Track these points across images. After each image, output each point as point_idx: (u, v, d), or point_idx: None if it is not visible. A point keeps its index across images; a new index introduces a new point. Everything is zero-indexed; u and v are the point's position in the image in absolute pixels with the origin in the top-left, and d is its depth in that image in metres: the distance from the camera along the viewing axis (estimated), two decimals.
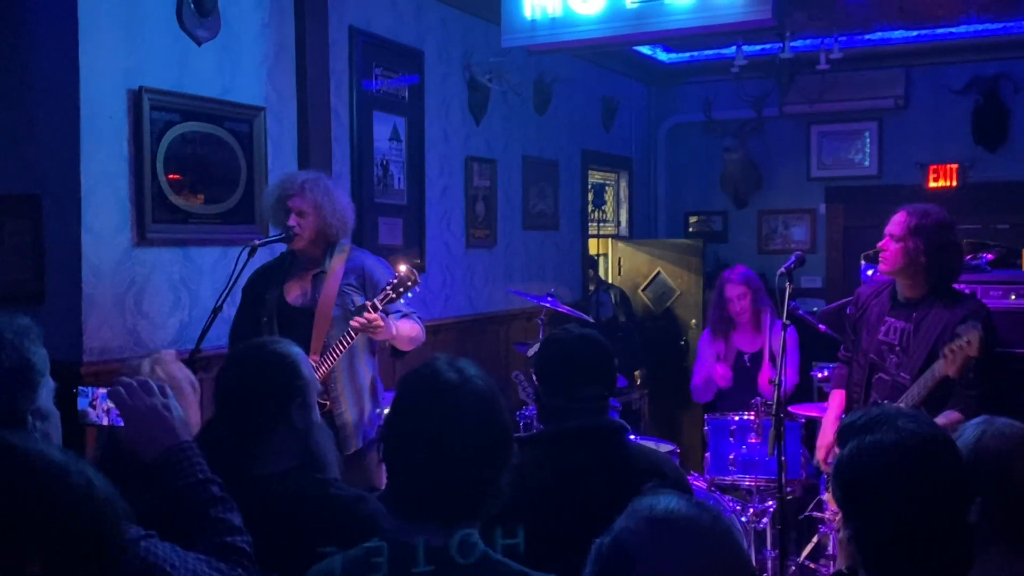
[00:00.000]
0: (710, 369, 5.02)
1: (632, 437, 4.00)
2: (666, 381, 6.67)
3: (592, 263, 7.38)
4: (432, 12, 5.43)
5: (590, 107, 7.30)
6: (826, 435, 3.62)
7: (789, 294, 3.53)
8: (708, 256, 7.63)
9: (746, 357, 4.93)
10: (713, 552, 1.23)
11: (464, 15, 5.68)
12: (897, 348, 3.40)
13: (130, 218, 3.69)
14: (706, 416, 4.50)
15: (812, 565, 4.48)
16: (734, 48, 6.54)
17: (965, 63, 7.03)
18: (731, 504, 4.27)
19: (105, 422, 1.98)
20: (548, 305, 4.95)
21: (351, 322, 3.39)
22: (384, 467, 1.82)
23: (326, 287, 3.56)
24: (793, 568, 4.40)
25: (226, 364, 2.25)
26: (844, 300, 3.86)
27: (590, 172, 7.40)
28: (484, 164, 5.93)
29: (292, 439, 2.17)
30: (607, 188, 7.85)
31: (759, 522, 4.25)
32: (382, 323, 3.39)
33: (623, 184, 8.08)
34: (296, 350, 2.25)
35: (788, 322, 3.55)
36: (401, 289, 3.40)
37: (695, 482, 4.14)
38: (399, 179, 5.20)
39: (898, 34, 6.91)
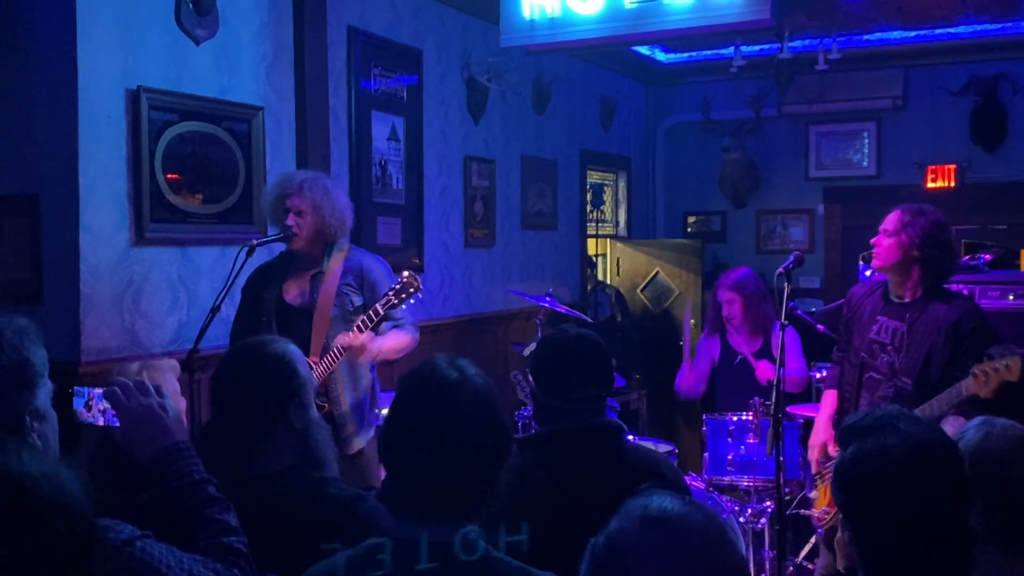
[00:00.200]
0: (695, 370, 5.06)
1: (630, 437, 4.01)
2: (664, 381, 6.65)
3: (589, 263, 7.38)
4: (431, 12, 5.43)
5: (589, 107, 7.30)
6: (818, 435, 3.63)
7: (787, 294, 3.53)
8: (707, 256, 7.63)
9: (743, 358, 4.93)
10: (708, 551, 1.23)
11: (463, 15, 5.68)
12: (889, 347, 3.41)
13: (128, 217, 3.68)
14: (704, 416, 4.49)
15: (810, 565, 4.48)
16: (733, 48, 6.54)
17: (963, 63, 7.04)
18: (729, 504, 4.27)
19: (101, 422, 1.98)
20: (546, 305, 4.95)
21: (337, 339, 3.38)
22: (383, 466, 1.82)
23: (324, 287, 3.55)
24: (791, 568, 4.41)
25: (223, 364, 2.25)
26: (842, 300, 3.87)
27: (589, 172, 7.41)
28: (483, 164, 5.93)
29: (291, 438, 2.17)
30: (606, 188, 7.85)
31: (757, 522, 4.25)
32: (364, 347, 3.37)
33: (622, 184, 8.08)
34: (293, 348, 2.25)
35: (787, 322, 3.55)
36: (404, 295, 3.39)
37: (693, 482, 4.14)
38: (397, 179, 5.20)
39: (896, 35, 6.91)
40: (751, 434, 4.26)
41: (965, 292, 4.56)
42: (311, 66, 4.47)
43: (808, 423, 4.51)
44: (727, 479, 4.31)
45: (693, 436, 5.97)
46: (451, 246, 5.67)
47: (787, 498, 4.01)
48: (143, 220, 3.71)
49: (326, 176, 3.80)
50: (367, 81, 4.95)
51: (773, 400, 3.44)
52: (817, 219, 7.75)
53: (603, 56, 7.17)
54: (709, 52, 7.51)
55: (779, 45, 6.43)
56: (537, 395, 2.40)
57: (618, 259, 7.64)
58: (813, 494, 3.68)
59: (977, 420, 2.06)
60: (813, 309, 6.32)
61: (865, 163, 7.55)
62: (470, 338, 5.72)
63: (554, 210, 6.80)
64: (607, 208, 7.86)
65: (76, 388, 1.99)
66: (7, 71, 3.62)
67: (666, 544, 1.22)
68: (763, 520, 4.26)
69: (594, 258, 7.64)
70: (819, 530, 3.73)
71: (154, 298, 3.79)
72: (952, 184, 7.15)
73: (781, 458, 3.51)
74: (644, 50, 7.47)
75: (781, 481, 3.52)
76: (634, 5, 4.53)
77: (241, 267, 3.43)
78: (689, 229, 8.26)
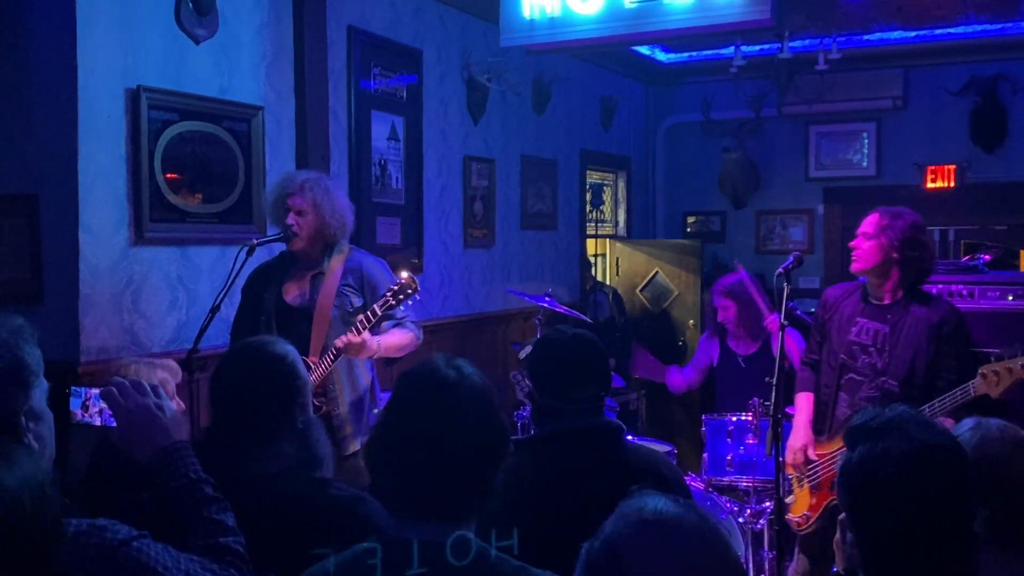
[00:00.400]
0: (691, 367, 5.09)
1: (629, 437, 4.01)
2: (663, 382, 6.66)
3: (586, 263, 7.38)
4: (431, 11, 5.43)
5: (588, 107, 7.30)
6: (798, 438, 3.62)
7: (787, 295, 3.53)
8: (706, 256, 7.63)
9: (740, 360, 4.93)
10: (705, 550, 1.23)
11: (463, 14, 5.68)
12: (871, 349, 3.44)
13: (128, 217, 3.68)
14: (704, 417, 4.50)
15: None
16: (733, 48, 6.54)
17: (963, 64, 7.04)
18: (728, 505, 4.27)
19: (98, 422, 1.97)
20: (546, 305, 4.95)
21: (335, 341, 3.39)
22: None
23: (324, 288, 3.55)
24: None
25: (223, 364, 2.24)
26: None
27: (588, 172, 7.40)
28: (482, 164, 5.93)
29: (292, 438, 2.17)
30: (605, 188, 7.85)
31: (756, 523, 4.25)
32: (364, 345, 3.38)
33: (621, 184, 8.08)
34: (291, 348, 2.25)
35: (786, 323, 3.55)
36: (401, 296, 3.40)
37: (692, 483, 4.14)
38: (397, 178, 5.20)
39: (896, 35, 6.91)
40: (750, 434, 4.26)
41: (965, 292, 4.58)
42: (311, 66, 4.47)
43: None
44: (726, 479, 4.31)
45: (692, 436, 5.97)
46: (450, 246, 5.67)
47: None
48: (143, 220, 3.71)
49: (328, 177, 3.80)
50: (367, 81, 4.95)
51: (772, 400, 3.44)
52: (817, 219, 7.75)
53: (603, 56, 7.17)
54: (709, 52, 7.51)
55: (779, 45, 6.42)
56: (535, 396, 2.40)
57: (617, 259, 7.64)
58: (790, 499, 3.67)
59: (970, 423, 2.06)
60: (812, 310, 6.30)
61: (865, 163, 7.54)
62: (469, 338, 5.72)
63: (554, 210, 6.80)
64: (607, 208, 7.86)
65: (73, 388, 1.99)
66: (7, 71, 3.62)
67: (663, 545, 1.22)
68: (762, 520, 4.26)
69: (592, 258, 7.64)
70: (799, 537, 3.73)
71: (153, 298, 3.79)
72: (952, 184, 7.14)
73: (780, 458, 3.50)
74: (644, 50, 7.46)
75: (780, 481, 3.52)
76: (634, 5, 4.53)
77: (241, 267, 3.43)
78: (689, 229, 8.26)
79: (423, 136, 5.37)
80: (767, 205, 7.90)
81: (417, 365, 1.68)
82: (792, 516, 3.65)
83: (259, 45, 4.26)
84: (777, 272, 3.57)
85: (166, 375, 2.70)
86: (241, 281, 3.58)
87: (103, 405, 1.94)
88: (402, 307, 3.46)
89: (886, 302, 3.46)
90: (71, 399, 1.98)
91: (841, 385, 3.51)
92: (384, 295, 3.43)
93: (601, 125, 7.51)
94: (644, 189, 8.31)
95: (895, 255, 3.38)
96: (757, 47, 6.91)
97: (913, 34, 6.89)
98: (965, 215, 7.12)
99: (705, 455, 4.40)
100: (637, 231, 8.16)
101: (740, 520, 4.19)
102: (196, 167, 3.94)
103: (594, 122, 7.41)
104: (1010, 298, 4.48)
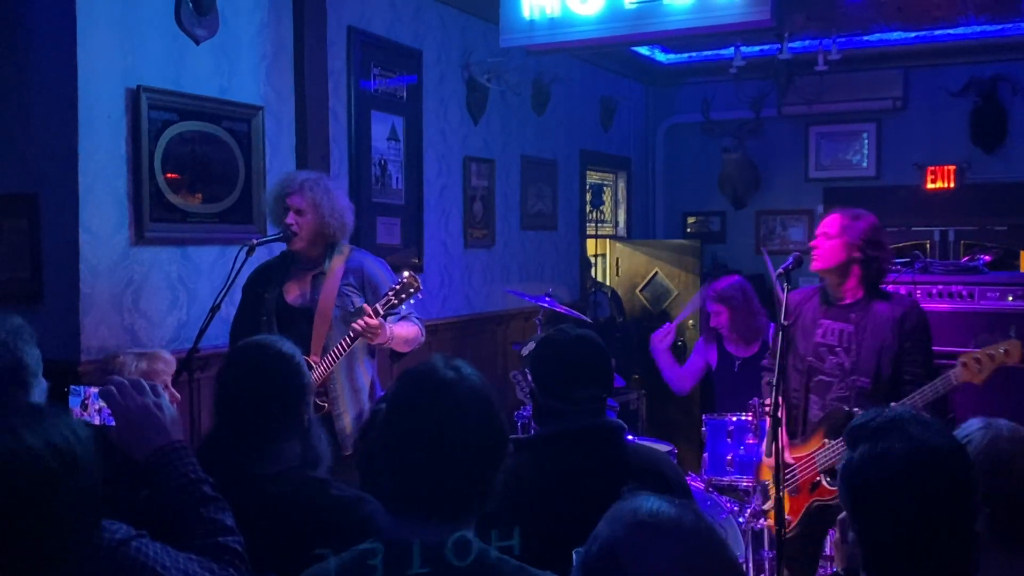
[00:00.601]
0: (686, 367, 5.08)
1: (630, 437, 4.01)
2: (663, 381, 6.66)
3: (587, 264, 7.38)
4: (431, 12, 5.43)
5: (588, 107, 7.30)
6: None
7: (787, 295, 3.53)
8: (706, 257, 7.63)
9: (737, 363, 4.92)
10: (702, 550, 1.23)
11: (463, 15, 5.68)
12: (838, 348, 3.49)
13: (128, 217, 3.68)
14: (704, 417, 4.49)
15: None
16: (732, 49, 6.54)
17: (963, 64, 7.05)
18: (728, 505, 4.27)
19: (97, 421, 1.97)
20: (545, 305, 4.94)
21: (352, 325, 3.39)
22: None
23: (325, 288, 3.56)
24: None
25: (228, 364, 2.23)
26: None
27: (588, 172, 7.40)
28: (482, 164, 5.93)
29: (296, 438, 2.17)
30: (605, 188, 7.85)
31: (756, 523, 4.24)
32: (381, 328, 3.39)
33: (621, 184, 8.08)
34: (295, 348, 2.25)
35: (785, 323, 3.55)
36: (404, 295, 3.41)
37: (692, 482, 4.13)
38: (397, 179, 5.20)
39: (896, 35, 6.91)
40: (750, 434, 4.25)
41: (965, 293, 4.58)
42: (311, 66, 4.47)
43: None
44: (726, 479, 4.31)
45: (692, 436, 5.97)
46: (450, 246, 5.67)
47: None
48: (143, 219, 3.71)
49: (328, 177, 3.81)
50: (367, 81, 4.95)
51: (772, 400, 3.44)
52: (817, 220, 7.72)
53: (603, 56, 7.17)
54: (709, 52, 7.51)
55: (779, 46, 6.43)
56: (537, 396, 2.40)
57: (617, 259, 7.64)
58: (767, 505, 3.68)
59: (978, 423, 2.06)
60: None
61: (865, 164, 7.55)
62: (469, 338, 5.72)
63: (553, 210, 6.80)
64: (607, 208, 7.86)
65: (72, 387, 1.99)
66: (7, 71, 3.62)
67: (661, 545, 1.22)
68: (762, 520, 4.25)
69: (592, 258, 7.64)
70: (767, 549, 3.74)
71: (154, 297, 3.79)
72: (952, 185, 7.15)
73: (780, 458, 3.50)
74: (644, 50, 7.47)
75: (781, 481, 3.52)
76: (634, 5, 4.53)
77: (241, 267, 3.43)
78: (689, 229, 8.26)
79: (423, 136, 5.37)
80: (767, 205, 7.91)
81: (416, 366, 1.68)
82: (772, 521, 3.67)
83: (259, 45, 4.26)
84: (777, 272, 3.57)
85: (160, 366, 2.70)
86: (241, 281, 3.58)
87: (102, 404, 1.94)
88: (404, 305, 3.47)
89: (847, 301, 3.51)
90: (70, 398, 1.98)
91: (810, 387, 3.56)
92: (386, 294, 3.43)
93: (601, 125, 7.51)
94: (644, 189, 8.31)
95: (857, 254, 3.43)
96: (757, 48, 6.91)
97: (913, 35, 6.89)
98: (965, 215, 7.11)
99: (705, 455, 4.40)
100: (637, 231, 8.16)
101: (740, 520, 4.19)
102: (196, 167, 3.94)
103: (594, 122, 7.41)
104: (1010, 298, 4.48)
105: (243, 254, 3.44)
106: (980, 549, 1.57)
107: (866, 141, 7.52)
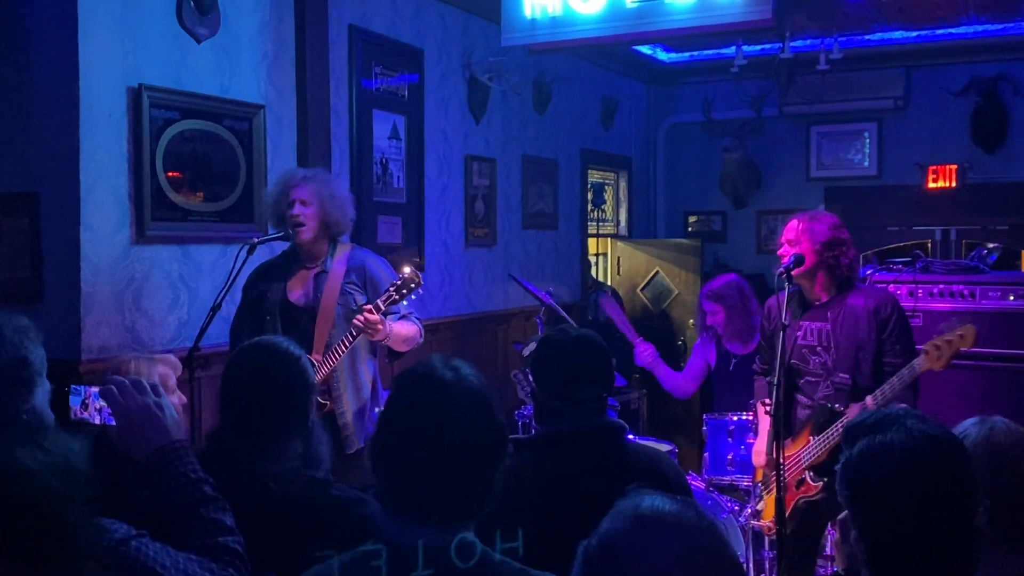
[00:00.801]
0: (687, 371, 5.07)
1: (630, 437, 4.01)
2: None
3: (587, 263, 7.38)
4: (432, 11, 5.43)
5: (590, 106, 7.30)
6: (761, 441, 3.70)
7: (788, 295, 3.53)
8: (707, 256, 7.62)
9: (733, 361, 4.91)
10: (702, 548, 1.23)
11: (464, 14, 5.68)
12: (819, 348, 3.53)
13: (129, 216, 3.68)
14: (704, 416, 4.49)
15: None
16: (734, 48, 6.53)
17: (964, 64, 7.04)
18: (729, 504, 4.27)
19: (97, 421, 1.97)
20: (549, 292, 4.96)
21: (353, 320, 3.40)
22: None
23: (328, 286, 3.56)
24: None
25: (233, 364, 2.22)
26: None
27: (589, 171, 7.40)
28: (483, 163, 5.93)
29: (299, 438, 2.17)
30: (606, 188, 7.85)
31: (756, 522, 4.24)
32: (382, 324, 3.40)
33: (622, 184, 8.08)
34: (300, 349, 2.26)
35: (786, 323, 3.55)
36: (404, 291, 3.42)
37: (693, 482, 4.14)
38: (398, 177, 5.20)
39: (898, 35, 6.91)
40: (751, 434, 4.25)
41: (966, 292, 4.58)
42: (312, 64, 4.47)
43: None
44: (727, 479, 4.31)
45: (693, 436, 5.96)
46: (451, 245, 5.67)
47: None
48: (144, 218, 3.71)
49: (326, 171, 3.83)
50: (368, 80, 4.95)
51: (773, 400, 3.44)
52: None
53: (604, 55, 7.17)
54: (710, 52, 7.51)
55: (780, 45, 6.42)
56: (538, 396, 2.40)
57: (618, 259, 7.64)
58: (760, 505, 3.69)
59: (974, 419, 2.06)
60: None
61: (866, 163, 7.54)
62: (470, 337, 5.72)
63: (555, 210, 6.80)
64: (608, 208, 7.86)
65: (72, 387, 1.99)
66: (8, 70, 3.62)
67: (662, 543, 1.22)
68: (755, 521, 4.25)
69: (593, 258, 7.64)
70: (769, 539, 3.75)
71: (155, 296, 3.79)
72: (953, 184, 7.14)
73: (779, 458, 3.50)
74: (645, 50, 7.46)
75: (782, 480, 3.52)
76: (635, 4, 4.53)
77: (242, 265, 3.44)
78: (690, 229, 8.26)
79: (424, 135, 5.37)
80: (768, 205, 7.90)
81: (414, 366, 1.68)
82: (764, 522, 3.69)
83: (260, 44, 4.26)
84: (777, 272, 3.57)
85: (167, 369, 2.70)
86: (242, 280, 3.59)
87: (103, 403, 1.94)
88: (405, 302, 3.48)
89: (823, 300, 3.56)
90: (71, 397, 1.98)
91: (798, 387, 3.60)
92: (387, 290, 3.44)
93: (602, 125, 7.51)
94: (645, 189, 8.31)
95: (815, 258, 3.48)
96: (758, 47, 6.91)
97: (914, 34, 6.89)
98: (966, 215, 7.12)
99: (706, 454, 4.40)
100: (638, 231, 8.16)
101: (740, 519, 4.19)
102: (197, 166, 3.94)
103: (595, 122, 7.41)
104: (1011, 298, 4.47)
105: (244, 253, 3.45)
106: (981, 547, 1.58)
107: (867, 140, 7.52)
